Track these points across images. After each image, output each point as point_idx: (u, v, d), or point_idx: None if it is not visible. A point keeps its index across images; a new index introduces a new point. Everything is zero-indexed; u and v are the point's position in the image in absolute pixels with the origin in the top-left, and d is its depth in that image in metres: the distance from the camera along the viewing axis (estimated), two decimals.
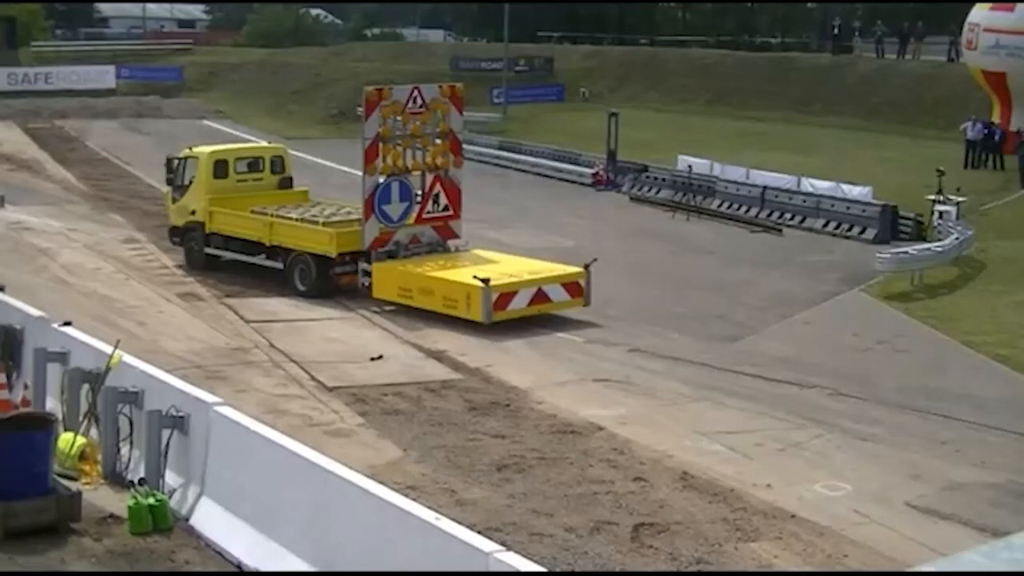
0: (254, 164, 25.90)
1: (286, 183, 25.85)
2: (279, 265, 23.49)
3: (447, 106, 22.95)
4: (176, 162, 25.65)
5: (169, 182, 25.89)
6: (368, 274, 22.31)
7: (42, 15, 74.54)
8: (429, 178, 23.13)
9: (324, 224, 23.23)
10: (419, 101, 22.59)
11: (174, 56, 66.18)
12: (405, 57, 61.91)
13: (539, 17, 66.88)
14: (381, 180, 22.45)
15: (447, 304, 20.92)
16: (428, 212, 23.07)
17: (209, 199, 24.78)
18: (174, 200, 25.65)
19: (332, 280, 22.74)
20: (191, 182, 25.22)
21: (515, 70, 54.90)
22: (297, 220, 23.61)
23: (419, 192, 23.05)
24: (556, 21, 67.25)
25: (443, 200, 23.16)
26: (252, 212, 24.20)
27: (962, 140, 35.74)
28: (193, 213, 25.04)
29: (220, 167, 25.16)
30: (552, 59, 58.14)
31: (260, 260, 23.98)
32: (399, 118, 22.48)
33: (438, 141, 23.04)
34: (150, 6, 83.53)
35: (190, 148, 26.29)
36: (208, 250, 24.85)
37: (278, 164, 25.97)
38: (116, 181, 36.86)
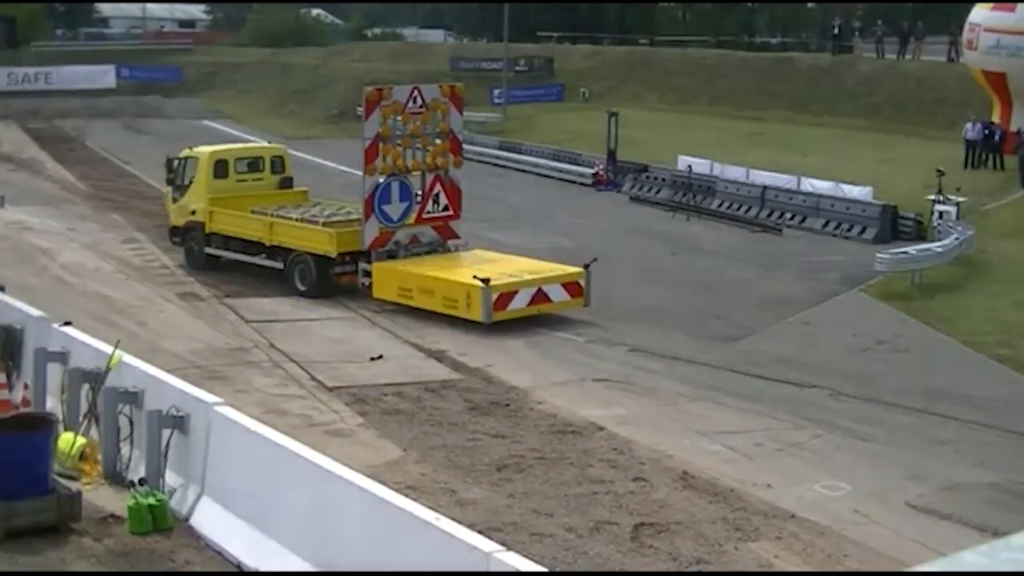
0: (254, 164, 25.92)
1: (286, 183, 25.86)
2: (279, 265, 23.49)
3: (447, 106, 22.94)
4: (176, 162, 25.68)
5: (169, 182, 25.90)
6: (368, 274, 22.31)
7: (43, 15, 74.50)
8: (429, 178, 23.12)
9: (324, 224, 23.24)
10: (419, 101, 22.59)
11: (174, 56, 66.17)
12: (405, 57, 61.88)
13: (539, 17, 66.85)
14: (381, 180, 22.46)
15: (447, 304, 20.92)
16: (428, 212, 23.05)
17: (209, 199, 24.79)
18: (174, 200, 25.67)
19: (332, 280, 22.74)
20: (191, 182, 25.24)
21: (515, 70, 54.87)
22: (297, 220, 23.62)
23: (419, 192, 23.06)
24: (556, 21, 67.21)
25: (443, 200, 23.14)
26: (252, 212, 24.21)
27: (962, 140, 35.72)
28: (193, 213, 25.05)
29: (220, 167, 25.18)
30: (552, 59, 58.12)
31: (260, 260, 23.98)
32: (399, 118, 22.49)
33: (438, 141, 23.03)
34: (150, 6, 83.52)
35: (190, 148, 26.31)
36: (208, 250, 24.86)
37: (278, 164, 25.99)
38: (116, 181, 36.87)
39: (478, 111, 44.06)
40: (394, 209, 22.61)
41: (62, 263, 25.19)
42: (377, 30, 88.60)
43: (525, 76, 55.51)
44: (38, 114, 51.74)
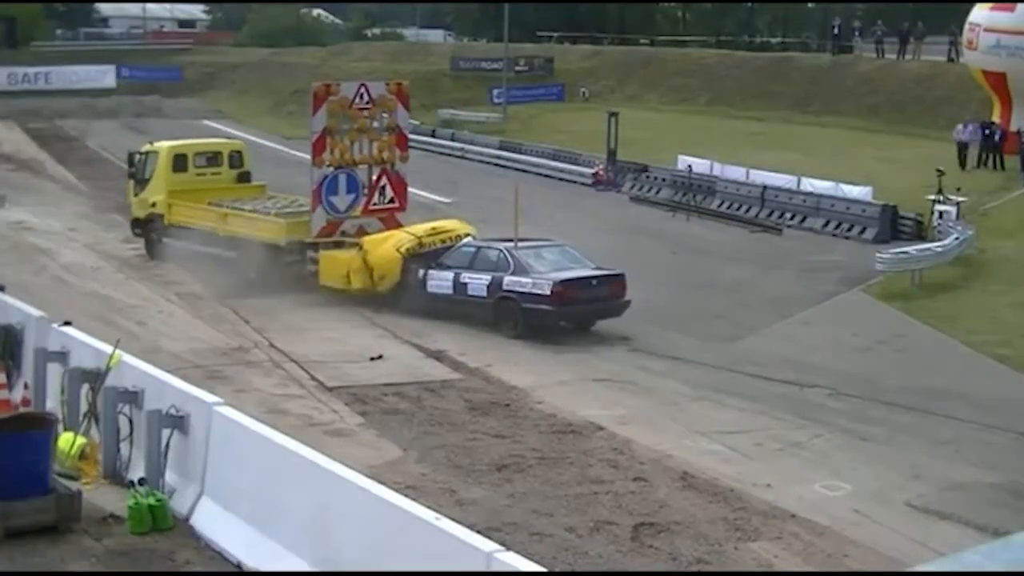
0: (213, 159, 26.69)
1: (244, 177, 26.62)
2: (233, 255, 23.90)
3: (394, 102, 23.68)
4: (138, 156, 26.50)
5: (131, 176, 26.72)
6: (315, 262, 22.78)
7: (42, 15, 74.49)
8: (376, 171, 23.69)
9: (275, 215, 23.85)
10: (366, 97, 23.28)
11: (174, 56, 66.20)
12: (405, 57, 61.88)
13: (539, 17, 66.87)
14: (329, 172, 23.01)
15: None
16: (375, 204, 23.65)
17: (168, 192, 25.47)
18: (136, 193, 26.44)
19: (282, 268, 23.22)
20: (152, 176, 25.98)
21: (515, 70, 54.89)
22: (249, 212, 24.24)
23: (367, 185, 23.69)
24: (556, 21, 67.22)
25: (389, 192, 23.79)
26: (209, 204, 24.81)
27: (954, 142, 35.67)
28: (154, 205, 25.81)
29: (179, 161, 26.00)
30: (552, 59, 58.15)
31: (216, 250, 24.37)
32: (348, 112, 23.08)
33: (385, 135, 23.58)
34: (150, 6, 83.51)
35: (151, 143, 27.03)
36: (167, 240, 25.52)
37: (236, 159, 26.78)
38: (116, 181, 36.76)
39: (478, 111, 44.10)
40: (341, 200, 23.20)
41: (62, 263, 25.22)
42: (377, 30, 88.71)
43: (525, 76, 55.53)
44: (38, 114, 51.77)
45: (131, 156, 26.69)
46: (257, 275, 23.18)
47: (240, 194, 25.67)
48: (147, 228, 26.13)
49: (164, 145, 26.59)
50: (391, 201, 23.81)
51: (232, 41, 77.76)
